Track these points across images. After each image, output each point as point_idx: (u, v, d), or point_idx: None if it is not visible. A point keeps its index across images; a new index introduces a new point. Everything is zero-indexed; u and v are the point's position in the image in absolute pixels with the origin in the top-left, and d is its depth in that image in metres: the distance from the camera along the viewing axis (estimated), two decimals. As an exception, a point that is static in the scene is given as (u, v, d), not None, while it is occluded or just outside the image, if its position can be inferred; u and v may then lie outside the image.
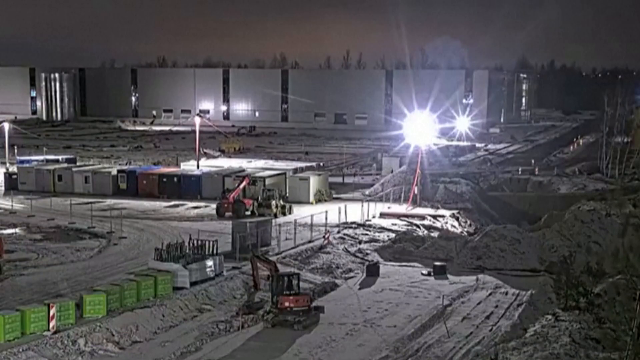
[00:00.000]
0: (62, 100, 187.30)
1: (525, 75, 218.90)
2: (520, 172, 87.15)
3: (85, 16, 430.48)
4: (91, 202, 62.01)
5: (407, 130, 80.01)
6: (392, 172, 77.42)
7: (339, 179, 79.58)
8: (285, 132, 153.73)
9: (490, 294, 40.44)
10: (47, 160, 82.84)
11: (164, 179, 69.34)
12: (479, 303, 38.63)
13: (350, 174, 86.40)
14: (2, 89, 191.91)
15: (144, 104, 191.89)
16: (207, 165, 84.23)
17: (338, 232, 52.85)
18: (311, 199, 65.81)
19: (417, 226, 57.28)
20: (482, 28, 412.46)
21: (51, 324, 30.95)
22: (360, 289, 41.71)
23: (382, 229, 55.52)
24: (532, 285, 41.87)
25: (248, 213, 57.81)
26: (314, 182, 67.12)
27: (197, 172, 73.18)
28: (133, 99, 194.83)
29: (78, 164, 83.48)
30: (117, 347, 31.28)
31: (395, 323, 35.29)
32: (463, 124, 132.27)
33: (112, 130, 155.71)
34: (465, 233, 58.02)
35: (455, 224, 60.48)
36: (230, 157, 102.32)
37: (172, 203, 64.95)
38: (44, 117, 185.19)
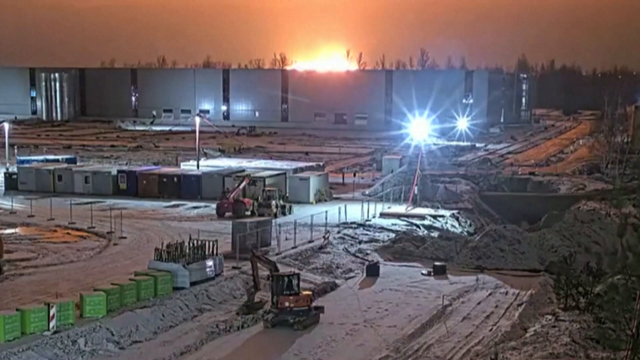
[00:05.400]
0: (62, 100, 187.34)
1: (525, 75, 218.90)
2: (520, 172, 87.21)
3: (85, 16, 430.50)
4: (91, 202, 62.01)
5: (413, 130, 79.97)
6: (392, 172, 77.44)
7: (339, 179, 79.59)
8: (285, 132, 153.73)
9: (490, 294, 40.46)
10: (47, 160, 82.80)
11: (164, 179, 69.35)
12: (479, 303, 38.65)
13: (350, 172, 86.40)
14: (2, 89, 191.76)
15: (144, 104, 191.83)
16: (207, 165, 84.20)
17: (338, 232, 52.84)
18: (311, 199, 65.82)
19: (417, 226, 57.28)
20: (482, 28, 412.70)
21: (51, 324, 30.93)
22: (360, 289, 41.72)
23: (382, 229, 55.51)
24: (532, 285, 41.93)
25: (248, 213, 57.76)
26: (314, 182, 67.14)
27: (197, 172, 73.17)
28: (133, 99, 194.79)
29: (78, 164, 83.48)
30: (117, 347, 31.29)
31: (395, 323, 35.30)
32: (463, 124, 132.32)
33: (112, 130, 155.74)
34: (465, 233, 58.04)
35: (455, 224, 60.49)
36: (230, 157, 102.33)
37: (172, 203, 64.94)
38: (44, 117, 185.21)
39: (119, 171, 72.14)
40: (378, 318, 36.14)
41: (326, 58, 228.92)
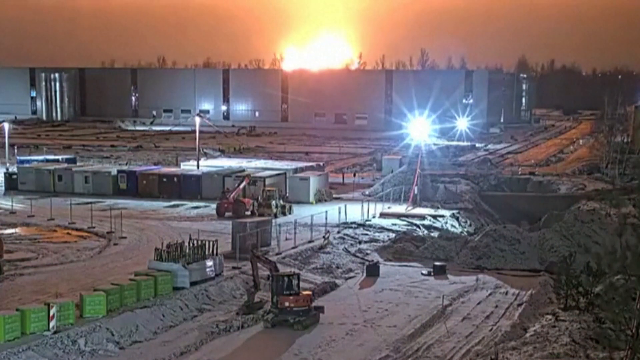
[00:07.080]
0: (62, 100, 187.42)
1: (525, 75, 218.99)
2: (520, 172, 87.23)
3: (85, 16, 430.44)
4: (91, 202, 62.01)
5: (413, 130, 79.97)
6: (392, 172, 77.44)
7: (339, 179, 79.58)
8: (285, 132, 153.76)
9: (490, 294, 40.45)
10: (47, 160, 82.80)
11: (164, 179, 69.35)
12: (479, 303, 38.64)
13: (350, 172, 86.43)
14: (2, 89, 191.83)
15: (144, 104, 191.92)
16: (207, 165, 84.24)
17: (338, 232, 52.83)
18: (311, 199, 65.82)
19: (417, 226, 57.28)
20: (482, 28, 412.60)
21: (51, 324, 30.93)
22: (360, 289, 41.72)
23: (382, 229, 55.50)
24: (532, 285, 41.92)
25: (248, 213, 57.78)
26: (314, 182, 67.14)
27: (197, 172, 73.17)
28: (133, 99, 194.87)
29: (78, 164, 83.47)
30: (117, 347, 31.29)
31: (395, 323, 35.29)
32: (463, 124, 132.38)
33: (112, 130, 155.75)
34: (465, 233, 58.01)
35: (455, 224, 60.47)
36: (230, 157, 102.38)
37: (172, 203, 64.94)
38: (44, 117, 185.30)
39: (119, 171, 72.14)
40: (378, 318, 36.13)
41: (326, 58, 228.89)
